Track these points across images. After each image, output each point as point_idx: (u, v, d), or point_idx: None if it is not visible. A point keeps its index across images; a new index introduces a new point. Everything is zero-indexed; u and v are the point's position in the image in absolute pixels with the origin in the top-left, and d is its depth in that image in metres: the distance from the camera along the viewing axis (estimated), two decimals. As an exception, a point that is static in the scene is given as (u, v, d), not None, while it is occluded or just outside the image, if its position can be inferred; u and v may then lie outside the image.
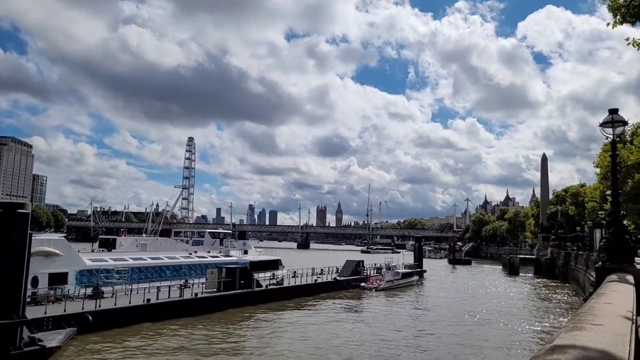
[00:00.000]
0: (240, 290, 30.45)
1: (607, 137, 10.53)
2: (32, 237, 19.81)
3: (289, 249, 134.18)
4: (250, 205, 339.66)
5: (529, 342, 22.89)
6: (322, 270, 41.70)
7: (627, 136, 27.84)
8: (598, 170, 32.24)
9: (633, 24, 7.17)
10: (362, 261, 47.13)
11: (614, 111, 10.12)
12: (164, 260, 33.95)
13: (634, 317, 3.61)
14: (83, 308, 21.88)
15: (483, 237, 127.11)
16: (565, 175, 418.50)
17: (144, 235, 55.22)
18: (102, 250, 39.50)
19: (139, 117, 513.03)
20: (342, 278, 42.09)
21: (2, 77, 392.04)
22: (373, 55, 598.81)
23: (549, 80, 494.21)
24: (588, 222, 49.48)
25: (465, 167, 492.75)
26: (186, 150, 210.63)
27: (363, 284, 42.76)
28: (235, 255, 42.13)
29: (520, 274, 64.49)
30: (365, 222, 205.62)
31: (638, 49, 7.47)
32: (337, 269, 43.93)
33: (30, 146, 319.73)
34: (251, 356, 19.50)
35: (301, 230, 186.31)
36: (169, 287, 26.87)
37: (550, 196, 78.84)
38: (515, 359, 19.43)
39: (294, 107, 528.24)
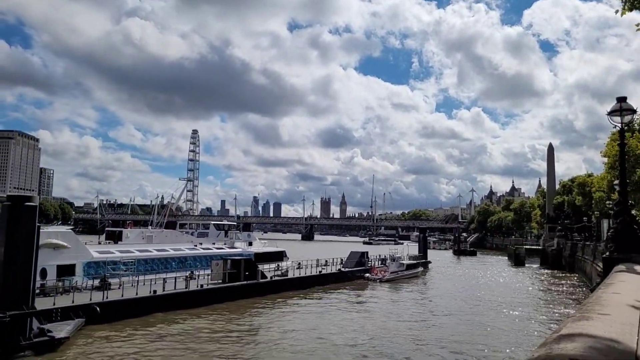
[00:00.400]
0: (245, 282, 30.65)
1: (615, 125, 10.40)
2: (40, 230, 20.07)
3: (293, 240, 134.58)
4: (255, 197, 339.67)
5: (536, 331, 22.91)
6: (326, 261, 41.80)
7: (635, 125, 27.39)
8: (606, 159, 31.86)
9: (643, 10, 7.02)
10: (367, 252, 47.26)
11: (622, 99, 9.98)
12: (170, 252, 34.22)
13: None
14: (91, 299, 22.15)
15: (488, 228, 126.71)
16: (572, 165, 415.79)
17: (149, 227, 55.55)
18: (109, 242, 39.94)
19: (142, 110, 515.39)
20: (346, 269, 42.26)
21: (8, 72, 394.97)
22: (376, 45, 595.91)
23: (556, 68, 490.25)
24: (595, 212, 49.12)
25: (470, 157, 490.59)
26: (190, 143, 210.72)
27: (367, 275, 42.86)
28: (240, 247, 42.34)
29: (526, 265, 64.33)
30: (370, 214, 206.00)
31: (648, 36, 7.33)
32: (342, 260, 44.08)
33: (37, 140, 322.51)
34: (256, 346, 19.67)
35: (305, 222, 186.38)
36: (175, 278, 27.15)
37: (557, 186, 78.30)
38: (523, 349, 19.45)
39: (297, 98, 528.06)
